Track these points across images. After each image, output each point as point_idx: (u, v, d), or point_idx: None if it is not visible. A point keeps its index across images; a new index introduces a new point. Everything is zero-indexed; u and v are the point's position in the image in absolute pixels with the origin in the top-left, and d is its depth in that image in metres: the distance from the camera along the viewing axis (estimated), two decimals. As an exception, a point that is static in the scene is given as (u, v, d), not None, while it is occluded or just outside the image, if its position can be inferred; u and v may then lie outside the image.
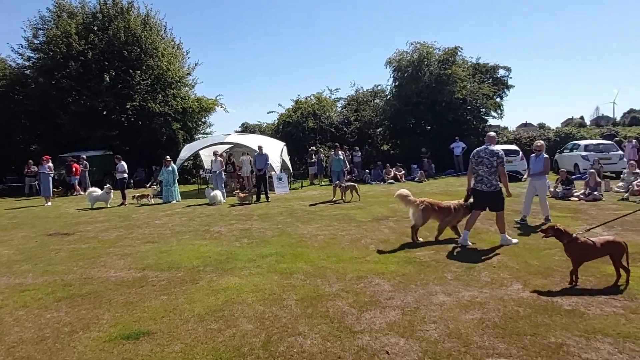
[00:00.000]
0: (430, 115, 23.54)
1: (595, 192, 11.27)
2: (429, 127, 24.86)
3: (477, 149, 7.09)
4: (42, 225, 10.77)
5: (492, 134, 7.35)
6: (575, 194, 11.59)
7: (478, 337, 3.67)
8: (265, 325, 4.12)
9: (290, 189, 17.26)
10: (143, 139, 23.14)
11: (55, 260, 6.99)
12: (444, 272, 5.52)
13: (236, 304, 4.68)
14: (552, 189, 11.76)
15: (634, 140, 19.03)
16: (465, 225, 7.08)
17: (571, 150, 19.03)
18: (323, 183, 19.93)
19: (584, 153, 17.53)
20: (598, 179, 11.98)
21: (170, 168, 14.90)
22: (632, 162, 14.46)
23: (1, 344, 3.96)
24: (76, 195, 18.37)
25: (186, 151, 18.45)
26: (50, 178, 15.85)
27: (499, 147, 7.08)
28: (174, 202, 14.67)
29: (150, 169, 22.64)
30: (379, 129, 26.92)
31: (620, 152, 17.73)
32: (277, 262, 6.33)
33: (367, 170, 21.03)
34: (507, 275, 5.31)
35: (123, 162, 15.04)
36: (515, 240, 6.89)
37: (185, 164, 19.43)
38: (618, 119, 69.89)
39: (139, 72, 22.70)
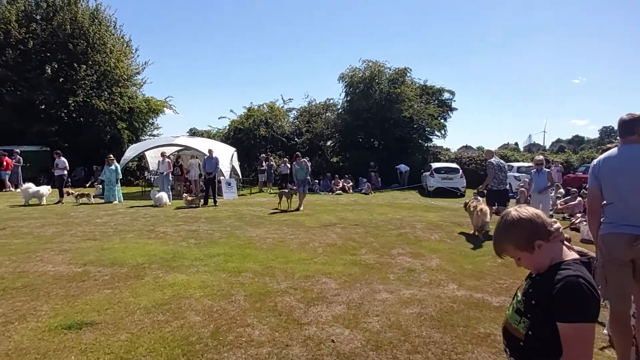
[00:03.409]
0: (379, 131, 24.39)
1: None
2: (377, 143, 25.74)
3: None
4: (-34, 219, 9.98)
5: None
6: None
7: (416, 328, 3.95)
8: (214, 317, 4.17)
9: (238, 195, 17.15)
10: (84, 136, 22.00)
11: (-16, 255, 6.55)
12: (387, 274, 5.82)
13: (183, 299, 4.68)
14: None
15: (559, 165, 20.86)
16: None
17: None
18: (272, 191, 19.97)
19: (516, 174, 18.93)
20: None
21: (113, 167, 14.33)
22: (557, 184, 15.86)
23: None
24: (6, 191, 17.09)
25: (131, 151, 17.82)
26: None
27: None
28: (116, 202, 14.10)
29: (91, 168, 21.57)
30: (330, 142, 27.48)
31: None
32: (225, 262, 6.35)
33: (316, 180, 21.36)
34: (444, 277, 5.70)
35: (63, 158, 14.24)
36: None
37: (130, 164, 18.74)
38: (547, 146, 75.73)
39: (84, 66, 21.68)
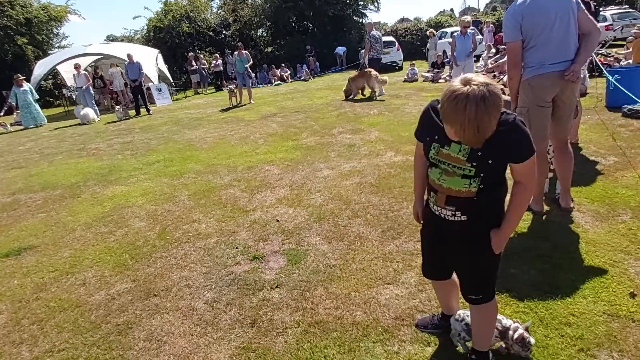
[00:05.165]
0: (310, 12, 22.95)
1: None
2: (310, 26, 24.39)
3: None
4: None
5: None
6: (442, 76, 12.70)
7: (356, 196, 4.14)
8: (159, 220, 4.16)
9: (173, 100, 16.22)
10: (-19, 59, 19.33)
11: None
12: (328, 152, 5.91)
13: (125, 208, 4.59)
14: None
15: (491, 25, 20.88)
16: None
17: (440, 38, 20.34)
18: (208, 91, 19.01)
19: (450, 40, 18.90)
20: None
21: (24, 88, 12.88)
22: (488, 44, 16.05)
23: None
24: None
25: (41, 68, 15.95)
26: None
27: None
28: (40, 125, 12.98)
29: (1, 94, 19.33)
30: (261, 30, 25.75)
31: (480, 36, 19.42)
32: (165, 167, 6.19)
33: (253, 74, 20.38)
34: (382, 147, 5.87)
35: (-40, 87, 12.58)
36: None
37: (43, 83, 16.94)
38: (482, 9, 75.21)
39: (-48, -28, 18.15)
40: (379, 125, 7.29)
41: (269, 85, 18.91)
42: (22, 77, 13.17)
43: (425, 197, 1.87)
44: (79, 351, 2.38)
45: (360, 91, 10.81)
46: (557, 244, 2.92)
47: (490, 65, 12.49)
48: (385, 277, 2.76)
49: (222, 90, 17.40)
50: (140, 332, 2.48)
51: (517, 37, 3.08)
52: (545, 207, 3.43)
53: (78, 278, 3.18)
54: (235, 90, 12.39)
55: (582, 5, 3.05)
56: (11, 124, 13.34)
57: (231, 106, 12.14)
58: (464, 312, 2.05)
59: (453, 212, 1.66)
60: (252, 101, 12.45)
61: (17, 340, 2.55)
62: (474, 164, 1.55)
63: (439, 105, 1.48)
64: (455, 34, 9.26)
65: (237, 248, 3.38)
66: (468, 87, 1.36)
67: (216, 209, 4.25)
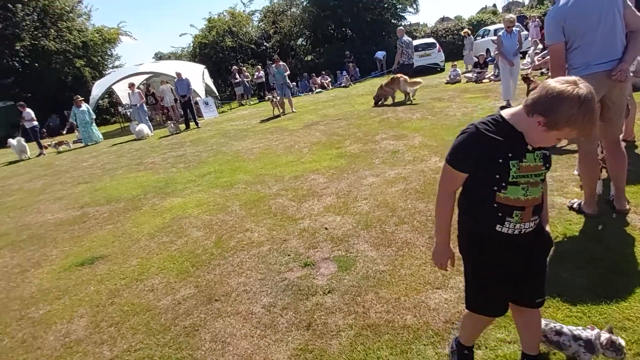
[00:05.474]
0: (348, 18, 23.19)
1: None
2: (349, 32, 24.59)
3: None
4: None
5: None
6: (487, 76, 12.45)
7: (402, 202, 4.22)
8: (214, 229, 4.42)
9: (219, 113, 16.89)
10: (45, 82, 20.99)
11: (-17, 217, 6.68)
12: (373, 159, 6.01)
13: (183, 219, 4.90)
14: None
15: (537, 19, 20.15)
16: None
17: (482, 37, 19.89)
18: (252, 103, 19.61)
19: (493, 37, 18.42)
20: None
21: (82, 108, 13.92)
22: (535, 40, 15.53)
23: (-49, 295, 3.96)
24: (-16, 154, 16.77)
25: (98, 88, 17.14)
26: None
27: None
28: (97, 142, 13.94)
29: (63, 114, 20.89)
30: (300, 40, 26.26)
31: (526, 32, 18.80)
32: (216, 179, 6.51)
33: (294, 83, 20.83)
34: (426, 152, 5.90)
35: (28, 110, 13.73)
36: None
37: (100, 102, 18.12)
38: (526, 2, 72.42)
39: (20, 5, 19.85)
40: (422, 130, 7.30)
41: (310, 93, 19.24)
42: (81, 98, 14.23)
43: (478, 229, 1.71)
44: (153, 351, 2.62)
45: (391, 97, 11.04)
46: (612, 247, 2.87)
47: (537, 62, 12.11)
48: (434, 281, 2.83)
49: (265, 100, 17.90)
50: (205, 334, 2.70)
51: (559, 39, 3.06)
52: (599, 210, 3.36)
53: (146, 284, 3.47)
54: (275, 100, 12.76)
55: (628, 2, 3.00)
56: (73, 142, 14.41)
57: (274, 116, 12.51)
58: (570, 329, 1.97)
59: (535, 221, 1.65)
60: (294, 110, 12.77)
61: (98, 341, 2.84)
62: (546, 164, 1.60)
63: (555, 114, 1.41)
64: (500, 33, 9.03)
65: (289, 255, 3.55)
66: (579, 87, 1.39)
67: (267, 218, 4.46)
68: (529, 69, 12.52)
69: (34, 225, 5.68)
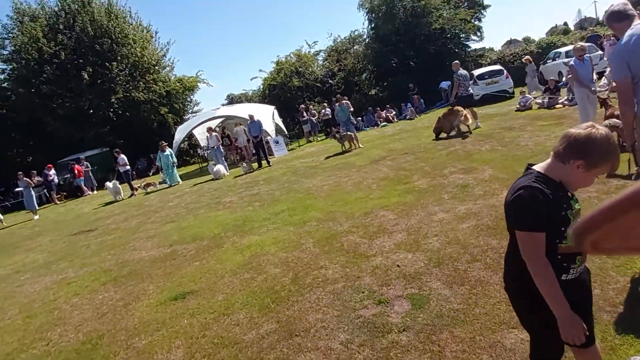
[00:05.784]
0: (411, 51, 23.50)
1: (579, 96, 11.63)
2: (412, 64, 24.86)
3: None
4: (64, 228, 11.33)
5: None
6: (560, 101, 11.96)
7: (474, 239, 4.23)
8: (291, 266, 4.69)
9: (288, 150, 17.68)
10: (135, 129, 23.40)
11: (88, 254, 7.56)
12: (442, 194, 6.04)
13: (261, 256, 5.25)
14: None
15: (612, 38, 18.99)
16: None
17: (554, 59, 19.12)
18: (319, 139, 20.30)
19: (565, 60, 17.65)
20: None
21: (166, 152, 15.28)
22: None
23: (68, 325, 4.56)
24: (86, 195, 18.86)
25: (180, 133, 18.76)
26: (32, 192, 15.60)
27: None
28: (179, 183, 15.17)
29: (149, 157, 23.02)
30: (364, 75, 26.95)
31: (600, 52, 17.80)
32: (290, 216, 6.87)
33: (359, 118, 21.31)
34: (497, 186, 5.82)
35: (122, 155, 15.38)
36: None
37: (182, 145, 19.76)
38: (601, 18, 68.40)
39: (115, 63, 22.60)
40: (492, 162, 7.19)
41: (376, 127, 19.52)
42: (165, 144, 15.65)
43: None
44: (243, 382, 2.87)
45: (447, 131, 11.19)
46: None
47: (614, 84, 11.44)
48: (509, 321, 2.83)
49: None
50: (289, 368, 2.91)
51: (626, 74, 3.07)
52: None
53: (232, 319, 3.79)
54: (339, 136, 13.21)
55: None
56: (159, 183, 15.78)
57: (342, 152, 12.89)
58: None
59: (579, 266, 1.75)
60: (360, 145, 13.07)
61: (194, 370, 3.15)
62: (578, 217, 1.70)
63: (594, 153, 1.57)
64: (572, 62, 8.74)
65: (363, 292, 3.70)
66: (599, 128, 1.59)
67: (339, 255, 4.66)
68: (606, 90, 11.86)
69: (132, 262, 6.35)
